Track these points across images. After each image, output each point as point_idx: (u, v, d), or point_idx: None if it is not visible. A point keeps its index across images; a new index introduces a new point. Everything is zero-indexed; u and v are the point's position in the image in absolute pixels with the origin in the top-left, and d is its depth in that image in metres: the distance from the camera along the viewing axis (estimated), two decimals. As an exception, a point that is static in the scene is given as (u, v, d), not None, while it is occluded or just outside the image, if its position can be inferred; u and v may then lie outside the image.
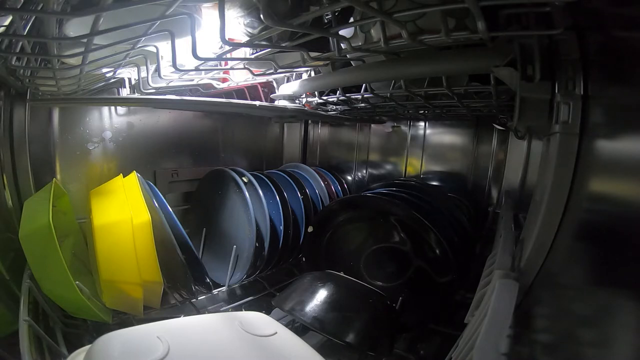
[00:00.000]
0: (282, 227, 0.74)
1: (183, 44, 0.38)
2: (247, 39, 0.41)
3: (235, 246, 0.71)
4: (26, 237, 0.43)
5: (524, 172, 0.77)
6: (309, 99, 0.77)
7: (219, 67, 0.59)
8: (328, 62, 0.52)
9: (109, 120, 0.72)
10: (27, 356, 0.33)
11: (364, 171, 1.08)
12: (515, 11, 0.31)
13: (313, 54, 0.42)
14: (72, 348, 0.38)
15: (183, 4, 0.33)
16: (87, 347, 0.34)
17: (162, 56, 0.45)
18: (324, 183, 0.93)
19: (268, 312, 0.54)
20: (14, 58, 0.40)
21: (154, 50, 0.43)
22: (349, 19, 0.40)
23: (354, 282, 0.59)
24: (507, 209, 0.63)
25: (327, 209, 0.75)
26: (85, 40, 0.31)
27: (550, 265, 0.35)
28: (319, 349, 0.43)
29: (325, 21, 0.41)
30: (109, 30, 0.29)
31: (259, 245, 0.69)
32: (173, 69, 0.41)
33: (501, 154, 0.82)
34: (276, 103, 0.75)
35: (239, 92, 0.79)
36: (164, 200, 0.61)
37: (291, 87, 0.68)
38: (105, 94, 0.65)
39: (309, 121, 1.14)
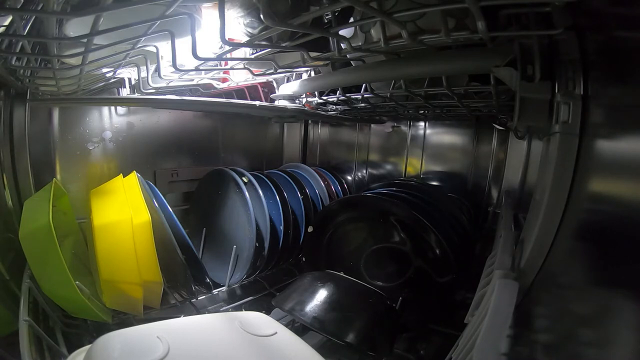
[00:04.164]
0: (282, 227, 0.74)
1: (183, 44, 0.38)
2: (247, 39, 0.41)
3: (235, 246, 0.71)
4: (26, 237, 0.43)
5: (524, 172, 0.77)
6: (309, 99, 0.77)
7: (219, 67, 0.59)
8: (328, 62, 0.52)
9: (109, 120, 0.72)
10: (27, 356, 0.33)
11: (364, 171, 1.08)
12: (515, 11, 0.31)
13: (313, 54, 0.42)
14: (72, 348, 0.38)
15: (183, 4, 0.33)
16: (87, 347, 0.34)
17: (162, 56, 0.45)
18: (324, 183, 0.93)
19: (268, 312, 0.54)
20: (14, 58, 0.40)
21: (154, 50, 0.43)
22: (349, 19, 0.40)
23: (354, 282, 0.59)
24: (507, 209, 0.63)
25: (327, 209, 0.75)
26: (85, 40, 0.31)
27: (550, 265, 0.35)
28: (319, 349, 0.43)
29: (325, 21, 0.41)
30: (109, 30, 0.29)
31: (259, 245, 0.69)
32: (173, 69, 0.41)
33: (501, 154, 0.82)
34: (276, 103, 0.75)
35: (239, 92, 0.79)
36: (164, 200, 0.61)
37: (291, 87, 0.68)
38: (105, 94, 0.66)
39: (309, 121, 1.14)
